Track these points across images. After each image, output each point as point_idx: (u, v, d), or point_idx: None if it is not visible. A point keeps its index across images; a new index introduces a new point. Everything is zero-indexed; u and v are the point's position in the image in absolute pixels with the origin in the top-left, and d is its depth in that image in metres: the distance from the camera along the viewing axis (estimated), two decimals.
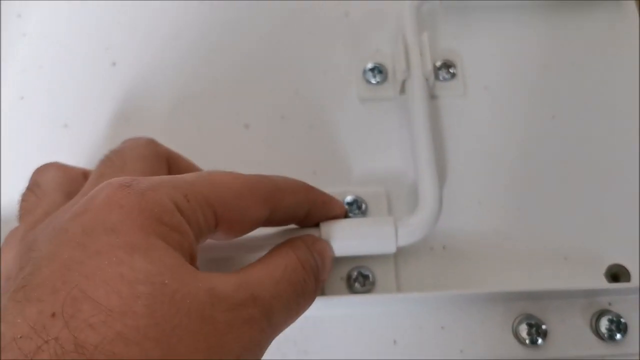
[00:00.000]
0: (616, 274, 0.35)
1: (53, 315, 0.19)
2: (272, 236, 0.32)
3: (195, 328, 0.20)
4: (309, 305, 0.28)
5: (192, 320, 0.20)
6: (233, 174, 0.26)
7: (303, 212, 0.30)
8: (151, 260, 0.21)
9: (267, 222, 0.29)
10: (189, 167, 0.33)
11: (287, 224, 0.31)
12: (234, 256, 0.35)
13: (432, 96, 0.40)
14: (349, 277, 0.35)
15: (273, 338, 0.25)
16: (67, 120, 0.40)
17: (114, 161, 0.29)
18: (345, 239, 0.32)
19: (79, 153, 0.38)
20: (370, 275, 0.35)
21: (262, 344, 0.24)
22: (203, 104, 0.40)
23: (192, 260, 0.24)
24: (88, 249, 0.21)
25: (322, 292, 0.35)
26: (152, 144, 0.31)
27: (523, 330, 0.33)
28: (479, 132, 0.40)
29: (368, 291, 0.34)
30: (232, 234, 0.27)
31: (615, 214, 0.37)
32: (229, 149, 0.39)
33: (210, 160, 0.38)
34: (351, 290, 0.35)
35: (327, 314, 0.34)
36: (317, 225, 0.32)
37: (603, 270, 0.36)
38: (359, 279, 0.35)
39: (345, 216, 0.34)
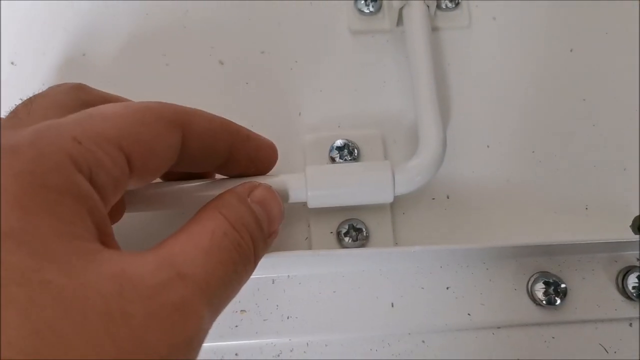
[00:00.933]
0: None
1: None
2: (211, 186, 0.27)
3: (96, 330, 0.16)
4: (251, 272, 0.23)
5: (91, 321, 0.16)
6: (124, 104, 0.21)
7: (224, 146, 0.25)
8: (29, 250, 0.16)
9: (184, 158, 0.23)
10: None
11: (209, 164, 0.26)
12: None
13: (434, 28, 0.36)
14: (339, 231, 0.30)
15: (212, 324, 0.20)
16: (14, 57, 0.35)
17: (19, 113, 0.24)
18: (334, 186, 0.28)
19: (29, 94, 0.33)
20: (363, 229, 0.30)
21: (200, 334, 0.19)
22: (172, 37, 0.35)
23: (100, 230, 0.19)
24: None
25: (310, 247, 0.30)
26: (76, 89, 0.25)
27: (539, 289, 0.29)
28: (487, 68, 0.35)
29: (361, 246, 0.30)
30: (148, 173, 0.22)
31: None
32: (201, 89, 0.34)
33: (180, 102, 0.33)
34: (341, 245, 0.30)
35: (313, 273, 0.30)
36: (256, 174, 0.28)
37: (629, 221, 0.31)
38: (350, 232, 0.30)
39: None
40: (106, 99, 0.27)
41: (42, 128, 0.19)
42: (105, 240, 0.19)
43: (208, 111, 0.33)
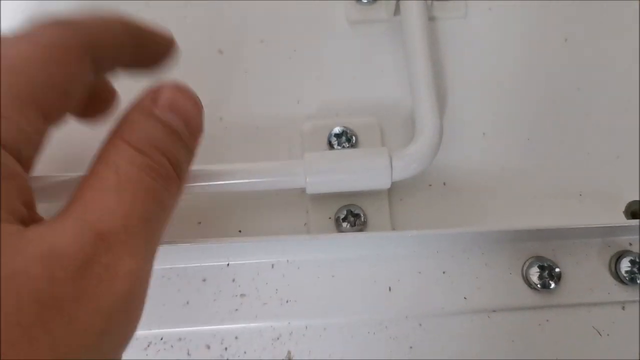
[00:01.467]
0: (636, 212, 0.32)
1: None
2: None
3: (30, 321, 0.15)
4: (180, 190, 0.21)
5: (24, 313, 0.15)
6: (27, 41, 0.19)
7: (129, 42, 0.23)
8: None
9: (100, 70, 0.21)
10: None
11: (119, 66, 0.23)
12: None
13: (430, 18, 0.36)
14: (337, 217, 0.31)
15: (152, 262, 0.19)
16: None
17: None
18: (332, 172, 0.29)
19: None
20: (361, 214, 0.31)
21: (136, 289, 0.18)
22: (171, 26, 0.35)
23: (26, 205, 0.18)
24: None
25: (308, 232, 0.31)
26: None
27: (534, 273, 0.30)
28: (483, 58, 0.35)
29: (359, 231, 0.30)
30: (62, 118, 0.20)
31: (635, 145, 0.33)
32: (200, 78, 0.34)
33: None
34: (340, 230, 0.31)
35: (312, 258, 0.30)
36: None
37: (622, 207, 0.32)
38: (348, 218, 0.31)
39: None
40: None
41: None
42: (31, 213, 0.18)
43: (207, 100, 0.34)
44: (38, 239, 0.16)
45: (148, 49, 0.25)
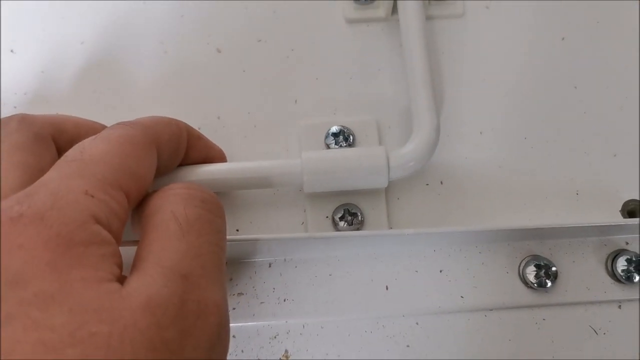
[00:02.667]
0: (633, 211, 0.32)
1: None
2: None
3: None
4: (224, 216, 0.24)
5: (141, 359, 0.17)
6: (101, 139, 0.22)
7: (184, 145, 0.27)
8: (70, 307, 0.17)
9: (159, 166, 0.25)
10: (79, 129, 0.28)
11: (174, 164, 0.28)
12: None
13: (428, 17, 0.36)
14: (334, 216, 0.31)
15: (226, 285, 0.22)
16: (13, 45, 0.35)
17: None
18: (329, 171, 0.29)
19: (28, 81, 0.34)
20: (358, 213, 0.31)
21: (225, 316, 0.21)
22: (169, 25, 0.35)
23: (119, 268, 0.20)
24: None
25: (306, 231, 0.31)
26: (24, 124, 0.25)
27: (530, 272, 0.30)
28: (480, 56, 0.35)
29: (356, 230, 0.30)
30: (140, 197, 0.23)
31: (633, 144, 0.33)
32: (199, 77, 0.34)
33: (178, 90, 0.34)
34: (337, 229, 0.31)
35: (309, 256, 0.30)
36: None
37: (619, 206, 0.32)
38: (345, 217, 0.31)
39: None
40: (52, 124, 0.27)
41: (54, 189, 0.19)
42: (121, 273, 0.20)
43: (206, 99, 0.34)
44: (135, 292, 0.18)
45: (198, 153, 0.29)
